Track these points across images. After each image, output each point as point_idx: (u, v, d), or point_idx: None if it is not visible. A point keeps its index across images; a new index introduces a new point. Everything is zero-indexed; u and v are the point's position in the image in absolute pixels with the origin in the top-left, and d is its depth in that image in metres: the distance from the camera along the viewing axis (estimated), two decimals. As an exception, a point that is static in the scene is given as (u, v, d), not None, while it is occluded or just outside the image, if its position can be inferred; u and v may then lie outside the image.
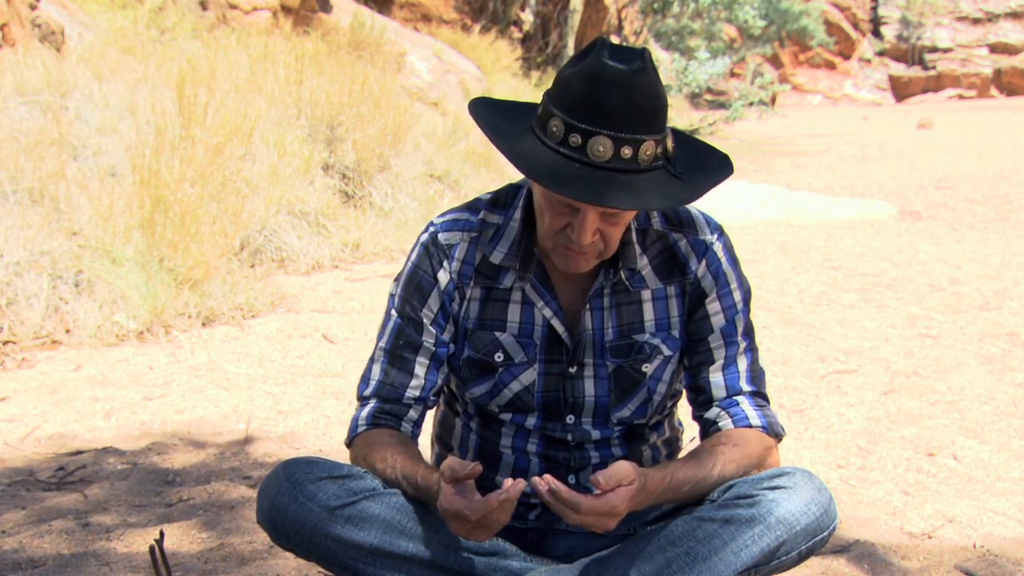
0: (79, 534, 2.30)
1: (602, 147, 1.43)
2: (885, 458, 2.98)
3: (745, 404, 1.66)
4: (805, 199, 8.94)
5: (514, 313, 1.67)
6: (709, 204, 9.93)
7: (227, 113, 5.55)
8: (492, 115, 1.56)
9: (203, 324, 4.46)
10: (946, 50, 53.40)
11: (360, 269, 5.86)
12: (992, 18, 53.80)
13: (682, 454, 1.84)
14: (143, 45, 7.77)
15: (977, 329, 4.58)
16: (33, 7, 7.17)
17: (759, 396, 1.69)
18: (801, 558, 1.56)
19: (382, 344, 1.72)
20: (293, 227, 5.87)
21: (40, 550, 2.21)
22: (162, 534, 1.86)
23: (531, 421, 1.70)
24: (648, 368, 1.68)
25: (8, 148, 4.81)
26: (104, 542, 2.26)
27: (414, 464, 1.59)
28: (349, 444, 1.72)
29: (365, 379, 1.73)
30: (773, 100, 23.26)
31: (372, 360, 1.73)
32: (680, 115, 20.92)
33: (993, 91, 50.76)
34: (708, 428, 1.68)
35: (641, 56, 1.45)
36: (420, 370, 1.68)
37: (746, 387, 1.68)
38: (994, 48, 52.88)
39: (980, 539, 2.41)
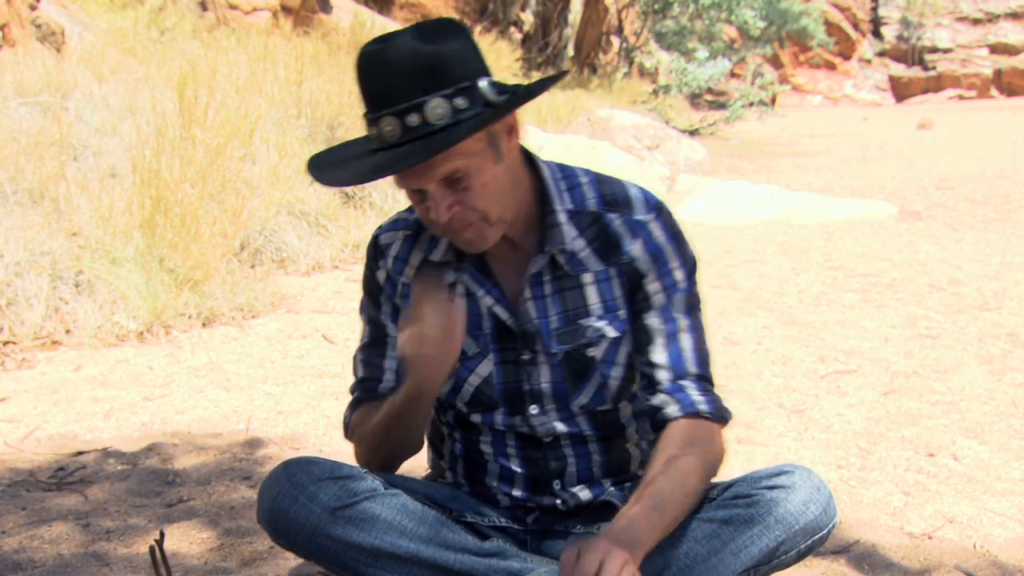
0: (79, 534, 2.30)
1: (389, 127, 1.43)
2: (885, 458, 2.98)
3: (691, 389, 1.59)
4: (805, 199, 8.94)
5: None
6: (709, 204, 9.88)
7: (227, 114, 5.55)
8: (327, 155, 1.59)
9: (203, 324, 4.46)
10: (946, 50, 53.42)
11: (360, 269, 5.83)
12: (992, 18, 53.81)
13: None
14: (143, 46, 7.78)
15: (977, 329, 4.58)
16: (33, 7, 7.17)
17: (704, 379, 1.62)
18: (800, 556, 1.56)
19: (359, 346, 1.78)
20: (293, 227, 5.87)
21: (40, 550, 2.21)
22: (162, 534, 1.86)
23: (500, 419, 1.69)
24: (595, 352, 1.64)
25: (8, 148, 4.81)
26: (104, 542, 2.26)
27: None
28: (347, 437, 1.78)
29: (354, 378, 1.80)
30: (773, 100, 23.26)
31: (353, 362, 1.79)
32: (680, 115, 20.91)
33: (993, 91, 50.77)
34: (655, 414, 1.60)
35: (403, 30, 1.45)
36: (389, 363, 1.73)
37: (692, 369, 1.60)
38: (994, 48, 52.88)
39: (980, 540, 2.41)
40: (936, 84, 51.91)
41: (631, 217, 1.62)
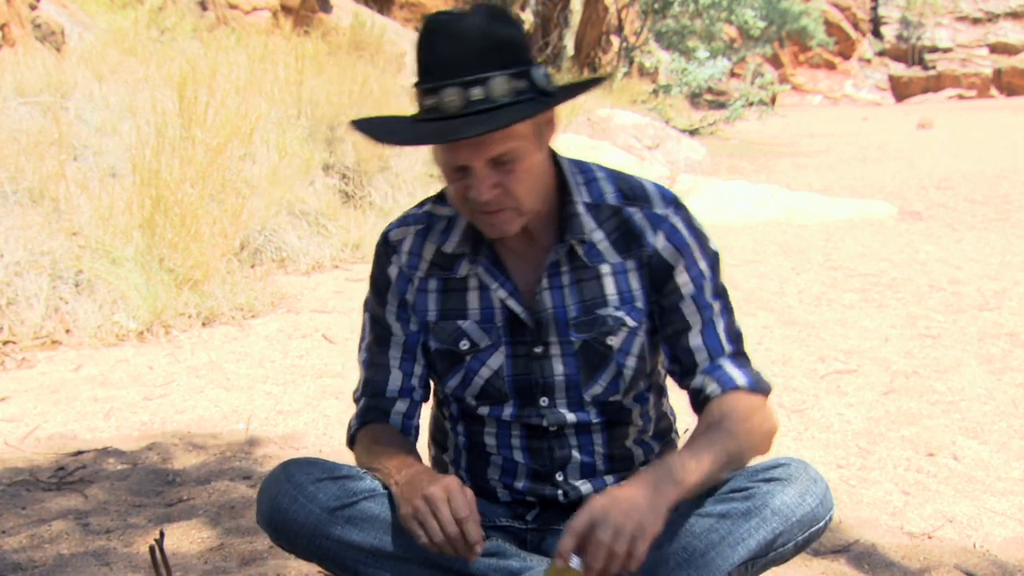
0: (79, 534, 2.30)
1: (451, 97, 1.44)
2: (885, 458, 2.98)
3: (728, 366, 1.63)
4: (805, 199, 8.94)
5: (473, 300, 1.67)
6: (709, 204, 9.90)
7: (227, 113, 5.55)
8: (372, 122, 1.60)
9: (203, 324, 4.46)
10: (946, 50, 53.41)
11: (360, 269, 5.86)
12: (992, 18, 53.80)
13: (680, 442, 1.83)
14: (143, 45, 7.78)
15: (977, 329, 4.58)
16: (33, 7, 7.17)
17: (740, 356, 1.67)
18: (798, 549, 1.56)
19: (362, 346, 1.78)
20: (293, 227, 5.87)
21: (40, 550, 2.21)
22: (162, 534, 1.86)
23: (508, 411, 1.70)
24: (614, 341, 1.66)
25: (8, 148, 4.81)
26: (104, 542, 2.26)
27: (394, 455, 1.62)
28: (351, 446, 1.77)
29: (358, 382, 1.79)
30: (773, 100, 23.22)
31: (359, 363, 1.78)
32: (680, 115, 20.90)
33: (993, 91, 50.74)
34: (697, 397, 1.65)
35: (472, 9, 1.47)
36: (395, 363, 1.72)
37: (727, 347, 1.65)
38: (994, 48, 52.87)
39: (980, 539, 2.41)
40: (936, 84, 51.90)
41: (651, 211, 1.65)
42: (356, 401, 1.78)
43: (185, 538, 2.29)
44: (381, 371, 1.73)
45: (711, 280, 1.67)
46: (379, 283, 1.74)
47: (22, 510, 2.48)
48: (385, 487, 1.62)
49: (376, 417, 1.73)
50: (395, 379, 1.73)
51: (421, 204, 1.75)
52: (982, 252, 6.77)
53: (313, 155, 6.50)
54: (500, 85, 1.44)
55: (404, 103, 8.16)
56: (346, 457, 1.78)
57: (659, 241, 1.64)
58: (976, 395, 3.61)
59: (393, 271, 1.71)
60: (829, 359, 4.10)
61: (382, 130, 1.56)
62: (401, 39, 13.04)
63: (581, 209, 1.63)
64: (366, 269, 6.08)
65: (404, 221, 1.73)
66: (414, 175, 7.41)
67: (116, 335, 4.19)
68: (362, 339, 1.78)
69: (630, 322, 1.66)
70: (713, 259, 1.68)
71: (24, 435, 3.12)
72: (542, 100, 1.48)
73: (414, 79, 1.50)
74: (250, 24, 10.56)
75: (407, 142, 1.52)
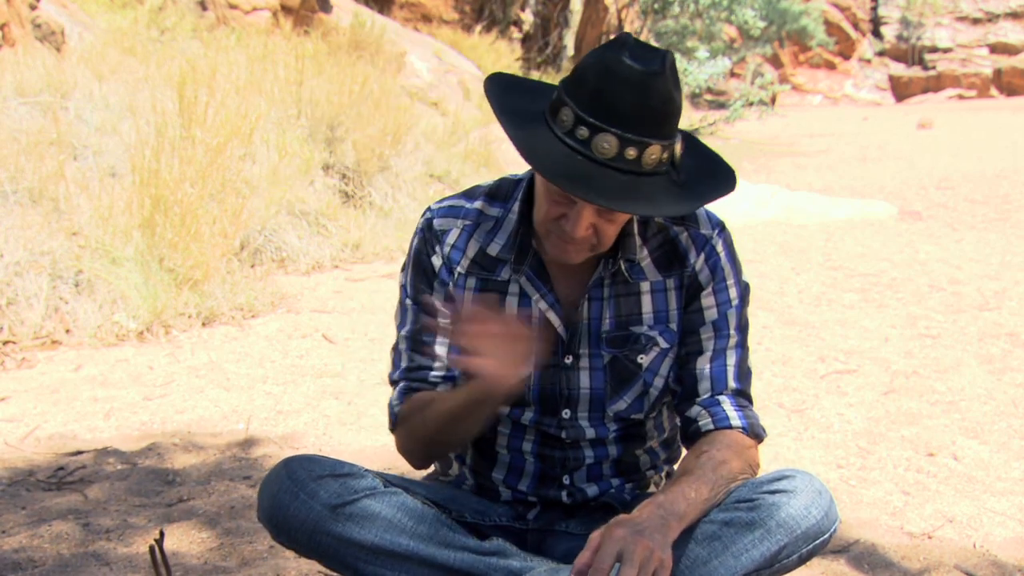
0: (79, 534, 2.30)
1: (607, 144, 1.43)
2: (885, 458, 2.98)
3: (727, 404, 1.65)
4: (805, 199, 8.94)
5: (512, 306, 1.67)
6: (709, 205, 9.95)
7: (227, 113, 5.55)
8: (507, 96, 1.56)
9: (203, 324, 4.46)
10: (946, 50, 53.38)
11: (360, 269, 5.86)
12: (992, 18, 53.78)
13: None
14: (143, 45, 7.78)
15: (977, 329, 4.58)
16: (33, 7, 7.17)
17: (742, 396, 1.68)
18: (802, 561, 1.56)
19: (403, 332, 1.74)
20: (293, 227, 5.87)
21: (40, 550, 2.21)
22: (162, 534, 1.86)
23: (528, 415, 1.69)
24: (644, 360, 1.67)
25: (8, 148, 4.81)
26: (104, 542, 2.26)
27: (450, 395, 1.63)
28: (393, 429, 1.75)
29: (394, 366, 1.76)
30: (773, 100, 23.20)
31: (397, 349, 1.75)
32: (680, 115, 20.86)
33: (993, 91, 50.72)
34: (688, 426, 1.67)
35: (662, 59, 1.45)
36: (441, 351, 1.70)
37: (732, 384, 1.66)
38: (994, 48, 52.85)
39: (980, 539, 2.41)
40: (936, 84, 51.87)
41: (698, 231, 1.67)
42: (392, 382, 1.76)
43: (185, 538, 2.29)
44: (426, 359, 1.71)
45: (737, 310, 1.68)
46: (425, 268, 1.71)
47: (22, 510, 2.48)
48: (386, 485, 1.62)
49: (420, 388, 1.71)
50: (439, 367, 1.70)
51: (471, 194, 1.72)
52: (982, 252, 6.77)
53: (313, 155, 6.50)
54: (652, 154, 1.45)
55: (403, 103, 8.16)
56: (345, 455, 1.77)
57: (699, 261, 1.66)
58: (976, 395, 3.61)
59: (437, 261, 1.69)
60: (829, 359, 4.10)
61: (516, 126, 1.49)
62: (401, 39, 13.04)
63: (635, 229, 1.64)
64: (366, 269, 6.05)
65: (453, 212, 1.71)
66: (414, 175, 7.41)
67: (116, 335, 4.19)
68: (403, 324, 1.73)
69: (663, 343, 1.67)
70: (744, 290, 1.70)
71: (24, 435, 3.12)
72: (685, 202, 1.48)
73: (573, 96, 1.45)
74: (250, 24, 10.56)
75: (541, 166, 1.45)
